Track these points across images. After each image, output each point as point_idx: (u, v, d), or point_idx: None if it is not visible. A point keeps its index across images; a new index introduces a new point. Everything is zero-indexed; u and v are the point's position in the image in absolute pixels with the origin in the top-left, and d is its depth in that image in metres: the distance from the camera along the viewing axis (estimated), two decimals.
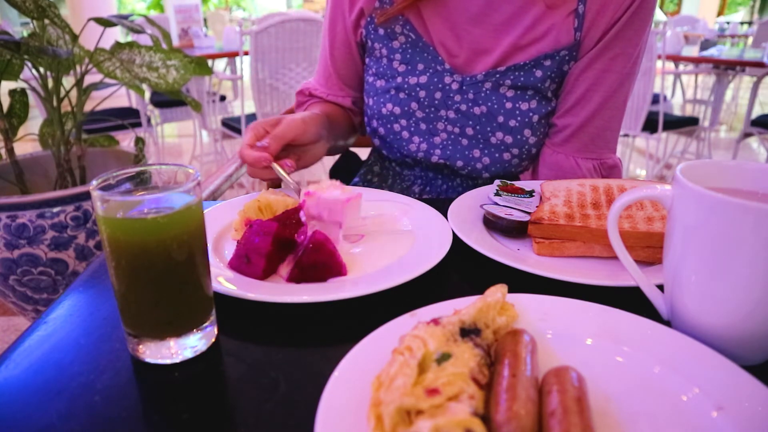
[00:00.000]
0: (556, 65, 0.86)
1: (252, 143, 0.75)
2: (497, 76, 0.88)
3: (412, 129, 0.94)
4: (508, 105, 0.88)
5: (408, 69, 0.92)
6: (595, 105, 0.88)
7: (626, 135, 3.21)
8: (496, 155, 0.91)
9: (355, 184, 1.08)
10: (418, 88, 0.91)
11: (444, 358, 0.38)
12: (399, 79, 0.92)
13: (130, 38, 4.01)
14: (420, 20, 0.89)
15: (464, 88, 0.89)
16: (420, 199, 0.78)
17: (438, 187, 0.99)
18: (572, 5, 0.84)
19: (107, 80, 1.85)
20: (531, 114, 0.88)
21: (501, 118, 0.88)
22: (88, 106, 1.88)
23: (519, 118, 0.88)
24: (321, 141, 0.85)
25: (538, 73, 0.87)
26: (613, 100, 0.88)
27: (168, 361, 0.46)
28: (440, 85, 0.90)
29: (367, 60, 0.98)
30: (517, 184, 0.80)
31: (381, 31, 0.92)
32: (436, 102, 0.91)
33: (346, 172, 1.20)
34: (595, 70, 0.86)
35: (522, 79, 0.87)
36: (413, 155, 0.95)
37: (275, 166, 0.75)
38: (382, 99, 0.94)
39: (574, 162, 0.91)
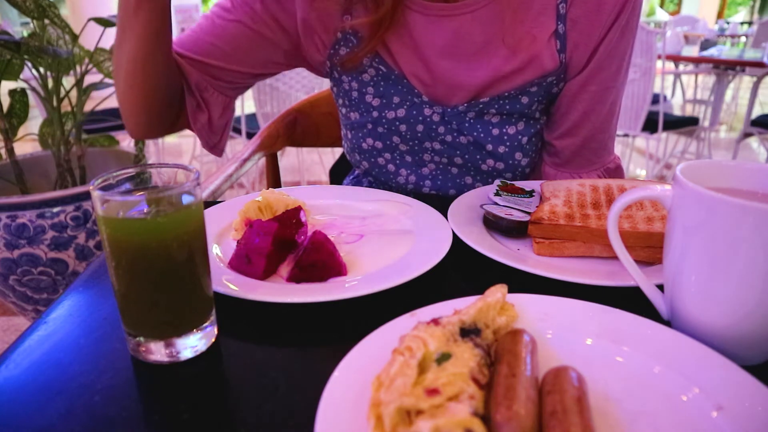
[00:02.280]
0: (543, 90, 0.83)
1: None
2: (480, 106, 0.83)
3: (398, 162, 0.90)
4: (495, 131, 0.85)
5: (383, 103, 0.86)
6: (595, 124, 0.85)
7: (626, 135, 3.21)
8: (489, 180, 0.89)
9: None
10: (397, 123, 0.86)
11: (444, 358, 0.38)
12: (375, 114, 0.86)
13: None
14: (388, 52, 0.83)
15: (446, 118, 0.85)
16: (420, 199, 0.78)
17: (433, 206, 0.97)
18: (551, 27, 0.78)
19: (107, 80, 1.85)
20: (520, 137, 0.85)
21: (489, 146, 0.85)
22: (88, 106, 1.88)
23: (508, 143, 0.85)
24: None
25: (525, 100, 0.83)
26: (611, 113, 0.86)
27: (168, 361, 0.46)
28: (420, 118, 0.85)
29: (334, 89, 0.92)
30: (517, 184, 0.80)
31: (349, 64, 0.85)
32: (419, 135, 0.87)
33: (346, 172, 1.20)
34: (590, 92, 0.83)
35: (507, 106, 0.83)
36: (402, 187, 0.91)
37: None
38: (360, 134, 0.89)
39: (579, 179, 0.90)
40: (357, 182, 1.04)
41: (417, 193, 0.92)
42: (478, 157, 0.87)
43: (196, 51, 0.83)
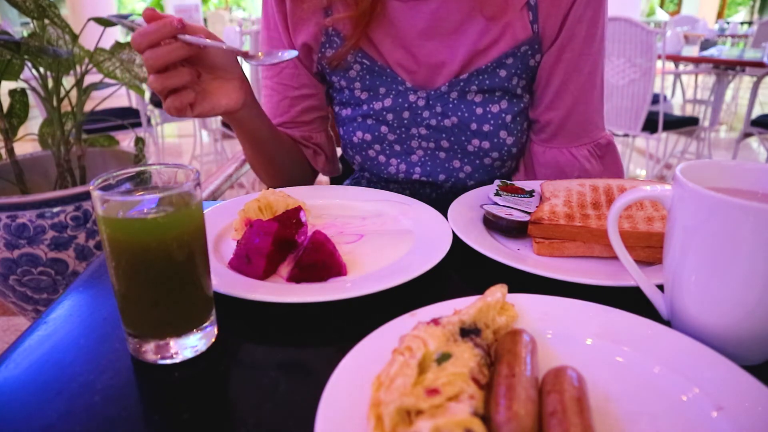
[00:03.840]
0: (519, 61, 0.84)
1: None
2: (461, 84, 0.85)
3: (387, 152, 0.92)
4: (479, 110, 0.86)
5: (370, 95, 0.89)
6: (575, 94, 0.87)
7: (626, 135, 3.21)
8: (477, 162, 0.90)
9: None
10: (384, 112, 0.89)
11: (444, 358, 0.38)
12: (364, 107, 0.90)
13: (130, 38, 4.01)
14: (371, 45, 0.87)
15: (431, 102, 0.87)
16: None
17: (427, 196, 0.97)
18: None
19: (107, 80, 1.85)
20: (503, 115, 0.87)
21: (474, 125, 0.87)
22: (88, 106, 1.88)
23: (492, 122, 0.87)
24: (236, 80, 0.74)
25: (503, 73, 0.85)
26: (591, 84, 0.87)
27: (168, 361, 0.46)
28: (406, 105, 0.88)
29: (330, 90, 0.96)
30: (517, 184, 0.80)
31: (335, 63, 0.89)
32: (406, 122, 0.89)
33: (346, 172, 1.20)
34: (566, 60, 0.84)
35: (487, 82, 0.85)
36: (394, 177, 0.94)
37: (187, 37, 0.62)
38: (351, 128, 0.92)
39: (569, 154, 0.90)
40: (356, 182, 1.05)
41: (408, 181, 0.94)
42: (463, 138, 0.89)
43: (281, 114, 0.96)
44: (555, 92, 0.87)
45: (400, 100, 0.88)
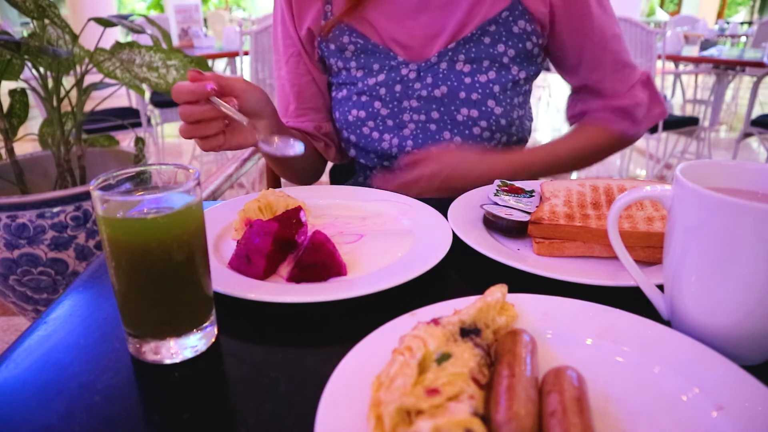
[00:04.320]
0: (502, 28, 0.88)
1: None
2: (450, 53, 0.90)
3: (380, 128, 0.95)
4: (467, 80, 0.90)
5: (365, 72, 0.94)
6: (611, 47, 0.93)
7: None
8: (466, 132, 0.92)
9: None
10: (377, 87, 0.93)
11: (444, 358, 0.38)
12: (359, 85, 0.94)
13: (130, 38, 4.01)
14: (365, 24, 0.91)
15: (422, 74, 0.91)
16: (419, 199, 0.78)
17: None
18: None
19: (107, 80, 1.85)
20: (491, 85, 0.90)
21: (462, 94, 0.90)
22: (88, 106, 1.88)
23: (480, 91, 0.90)
24: (264, 119, 0.80)
25: (487, 40, 0.89)
26: (614, 33, 0.93)
27: (168, 361, 0.46)
28: (398, 78, 0.92)
29: (329, 78, 1.01)
30: (517, 184, 0.80)
31: (332, 47, 0.94)
32: (398, 95, 0.93)
33: (346, 172, 1.21)
34: (586, 23, 0.89)
35: (474, 50, 0.89)
36: (387, 153, 0.96)
37: (217, 99, 0.70)
38: (346, 107, 0.96)
39: (628, 95, 0.95)
40: (354, 181, 1.06)
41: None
42: (452, 108, 0.92)
43: (293, 101, 1.00)
44: (593, 55, 0.92)
45: (393, 74, 0.92)
